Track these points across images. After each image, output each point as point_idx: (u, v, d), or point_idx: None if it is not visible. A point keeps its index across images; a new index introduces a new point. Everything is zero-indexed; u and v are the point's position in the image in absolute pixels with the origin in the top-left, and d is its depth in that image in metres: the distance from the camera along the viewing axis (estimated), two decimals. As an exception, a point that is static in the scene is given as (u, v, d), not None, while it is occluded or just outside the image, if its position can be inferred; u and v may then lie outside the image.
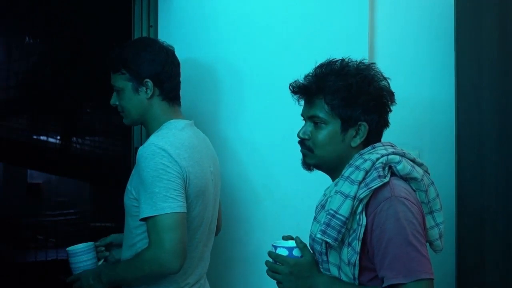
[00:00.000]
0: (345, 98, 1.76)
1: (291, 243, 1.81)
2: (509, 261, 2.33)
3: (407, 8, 2.70)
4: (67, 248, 2.28)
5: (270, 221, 2.66)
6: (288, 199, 2.65)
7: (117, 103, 2.27)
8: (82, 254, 2.26)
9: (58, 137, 9.43)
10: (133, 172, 2.19)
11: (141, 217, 2.04)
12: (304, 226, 2.60)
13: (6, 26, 8.89)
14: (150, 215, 2.01)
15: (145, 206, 2.03)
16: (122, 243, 2.31)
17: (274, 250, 1.80)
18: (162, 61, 2.23)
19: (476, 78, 2.43)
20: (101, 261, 2.33)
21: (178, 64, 2.30)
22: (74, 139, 9.28)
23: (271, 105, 2.66)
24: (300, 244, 1.80)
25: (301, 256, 1.79)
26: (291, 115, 2.53)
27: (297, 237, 1.82)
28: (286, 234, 1.87)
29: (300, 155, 1.91)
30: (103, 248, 2.37)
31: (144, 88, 2.22)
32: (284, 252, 1.78)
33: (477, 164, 2.42)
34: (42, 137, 9.54)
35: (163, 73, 2.22)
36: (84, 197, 10.55)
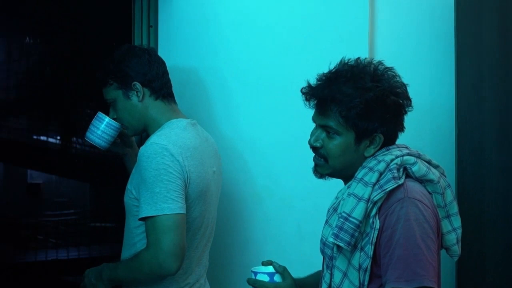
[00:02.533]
0: (361, 113, 1.67)
1: (272, 269, 1.75)
2: (509, 261, 2.33)
3: (407, 9, 2.69)
4: (99, 112, 2.32)
5: (270, 222, 2.66)
6: (288, 199, 2.65)
7: (115, 116, 2.29)
8: (106, 126, 2.30)
9: (58, 137, 9.44)
10: (133, 171, 2.19)
11: (140, 216, 2.05)
12: (304, 226, 2.62)
13: (6, 26, 8.89)
14: (149, 215, 2.01)
15: (145, 206, 2.03)
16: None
17: (254, 277, 1.73)
18: (145, 61, 2.25)
19: (476, 79, 2.43)
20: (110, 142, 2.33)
21: (163, 62, 2.31)
22: (74, 139, 9.28)
23: (272, 105, 2.66)
24: (279, 268, 1.74)
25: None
26: (292, 115, 2.55)
27: (274, 262, 1.77)
28: (265, 259, 1.80)
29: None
30: (118, 141, 2.41)
31: (134, 92, 2.23)
32: (265, 278, 1.72)
33: (477, 164, 2.42)
34: (42, 137, 9.54)
35: (149, 72, 2.24)
36: (84, 197, 10.56)
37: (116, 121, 2.30)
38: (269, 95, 2.67)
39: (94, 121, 2.33)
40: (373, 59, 1.79)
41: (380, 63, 1.75)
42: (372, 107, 1.67)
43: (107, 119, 2.30)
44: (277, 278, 1.72)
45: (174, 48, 2.71)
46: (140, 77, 2.23)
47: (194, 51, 2.74)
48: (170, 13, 2.77)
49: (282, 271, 1.74)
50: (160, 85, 2.25)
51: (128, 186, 2.19)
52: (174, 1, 2.76)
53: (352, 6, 2.64)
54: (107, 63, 2.27)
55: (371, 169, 1.66)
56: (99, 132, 2.31)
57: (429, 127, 2.67)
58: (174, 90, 2.33)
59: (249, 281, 1.74)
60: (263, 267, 1.77)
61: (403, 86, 1.74)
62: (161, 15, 2.77)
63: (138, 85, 2.22)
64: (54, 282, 7.36)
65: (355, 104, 1.67)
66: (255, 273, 1.74)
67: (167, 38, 2.75)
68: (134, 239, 2.17)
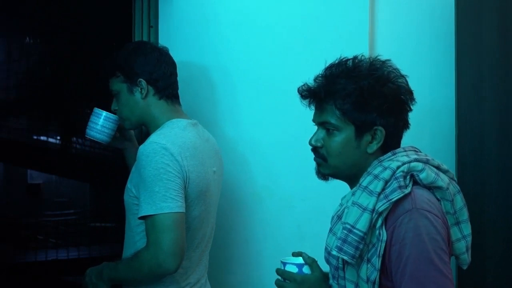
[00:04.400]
0: (357, 102, 1.61)
1: (301, 260, 1.71)
2: (509, 261, 2.33)
3: (407, 9, 2.69)
4: (95, 108, 2.35)
5: (270, 222, 2.66)
6: (288, 199, 2.65)
7: (116, 108, 2.30)
8: (104, 120, 2.33)
9: (58, 137, 9.45)
10: (133, 170, 2.19)
11: (139, 215, 2.05)
12: (304, 227, 2.61)
13: (6, 26, 8.90)
14: (148, 214, 2.01)
15: (144, 205, 2.03)
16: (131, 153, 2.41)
17: (283, 267, 1.70)
18: (154, 60, 2.25)
19: (476, 79, 2.43)
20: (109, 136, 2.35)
21: (173, 63, 2.31)
22: (74, 139, 9.29)
23: (272, 106, 2.66)
24: (308, 260, 1.70)
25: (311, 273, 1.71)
26: (292, 115, 2.54)
27: (304, 253, 1.73)
28: (296, 251, 1.78)
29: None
30: (118, 135, 2.42)
31: (139, 88, 2.23)
32: (294, 269, 1.68)
33: (477, 164, 2.42)
34: (42, 137, 9.55)
35: (156, 71, 2.24)
36: (84, 197, 10.57)
37: (116, 113, 2.32)
38: (269, 95, 2.67)
39: (92, 117, 2.35)
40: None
41: (378, 56, 1.71)
42: (367, 95, 1.61)
43: (104, 113, 2.33)
44: (305, 269, 1.70)
45: (174, 48, 2.70)
46: (146, 75, 2.23)
47: (194, 51, 2.74)
48: (170, 13, 2.77)
49: (311, 262, 1.71)
50: (165, 85, 2.25)
51: (128, 184, 2.19)
52: (174, 1, 2.76)
53: (352, 6, 2.64)
54: (117, 55, 2.29)
55: (376, 176, 1.59)
56: (98, 127, 2.34)
57: (429, 127, 2.67)
58: (174, 90, 2.33)
59: (278, 272, 1.71)
60: (292, 257, 1.75)
61: (403, 77, 1.69)
62: (161, 15, 2.77)
63: (143, 82, 2.23)
64: (54, 282, 7.37)
65: (349, 92, 1.61)
66: (284, 264, 1.71)
67: (167, 38, 2.75)
68: (135, 238, 2.17)
